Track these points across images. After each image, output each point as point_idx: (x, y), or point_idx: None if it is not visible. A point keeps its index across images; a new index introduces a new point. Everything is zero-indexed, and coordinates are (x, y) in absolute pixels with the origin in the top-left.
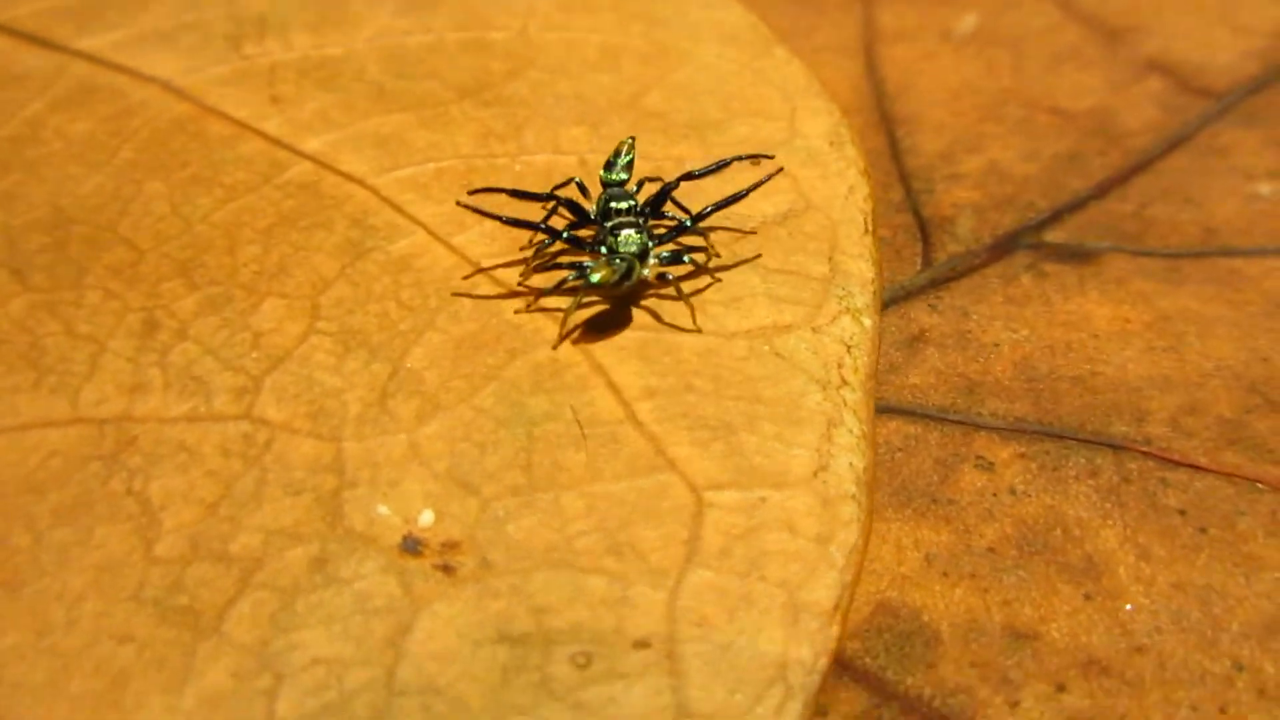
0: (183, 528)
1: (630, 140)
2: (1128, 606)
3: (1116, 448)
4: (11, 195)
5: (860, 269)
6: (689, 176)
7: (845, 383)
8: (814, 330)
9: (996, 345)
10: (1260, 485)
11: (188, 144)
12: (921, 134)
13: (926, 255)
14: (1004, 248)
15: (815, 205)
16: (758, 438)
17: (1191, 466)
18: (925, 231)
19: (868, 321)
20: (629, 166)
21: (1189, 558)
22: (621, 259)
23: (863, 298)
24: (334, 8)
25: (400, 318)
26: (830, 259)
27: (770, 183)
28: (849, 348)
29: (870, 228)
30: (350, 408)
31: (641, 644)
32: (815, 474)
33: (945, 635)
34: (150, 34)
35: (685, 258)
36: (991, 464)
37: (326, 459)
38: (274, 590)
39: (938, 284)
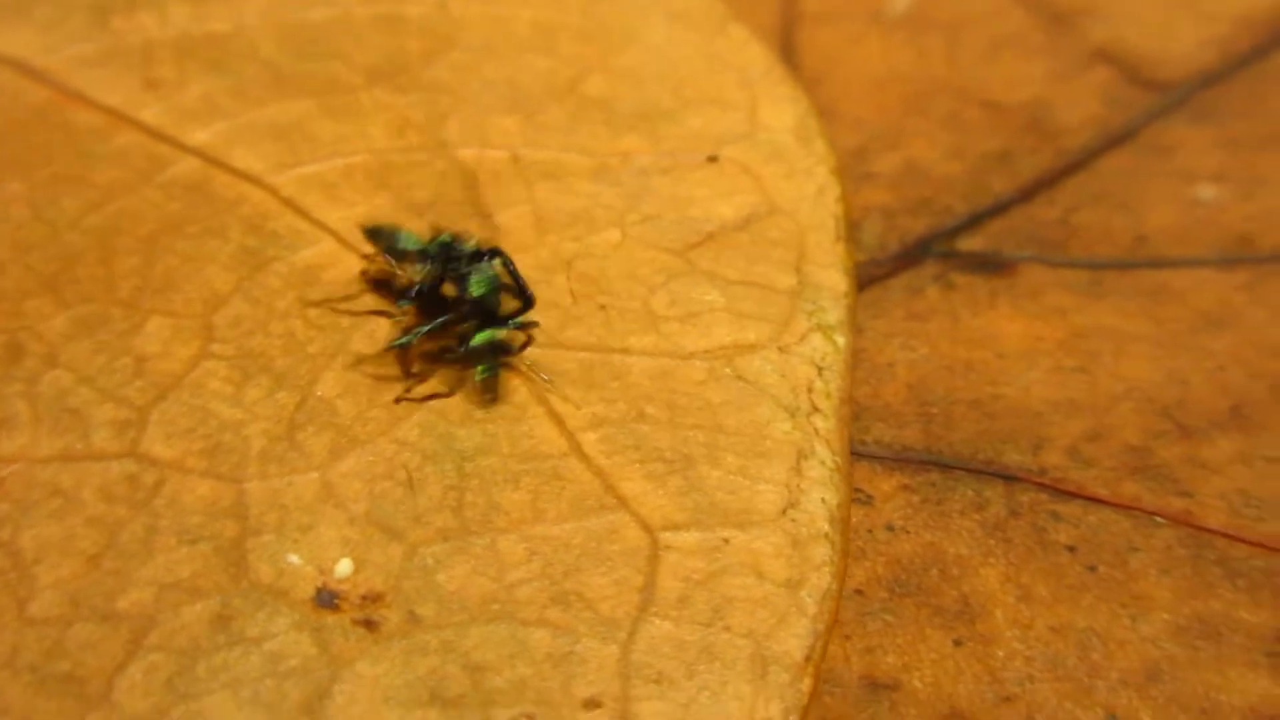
0: (61, 584)
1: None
2: (1000, 653)
3: (1008, 479)
4: None
5: (833, 280)
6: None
7: (816, 409)
8: (781, 350)
9: (890, 366)
10: (1159, 519)
11: (51, 136)
12: (836, 128)
13: None
14: (912, 256)
15: (780, 208)
16: (719, 471)
17: (1087, 498)
18: None
19: (841, 340)
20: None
21: (1073, 598)
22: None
23: (835, 313)
24: None
25: (308, 339)
26: (798, 269)
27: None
28: (820, 369)
29: (843, 234)
30: (252, 443)
31: (592, 704)
32: (784, 511)
33: None
34: None
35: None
36: (871, 497)
37: (226, 502)
38: (170, 652)
39: None
